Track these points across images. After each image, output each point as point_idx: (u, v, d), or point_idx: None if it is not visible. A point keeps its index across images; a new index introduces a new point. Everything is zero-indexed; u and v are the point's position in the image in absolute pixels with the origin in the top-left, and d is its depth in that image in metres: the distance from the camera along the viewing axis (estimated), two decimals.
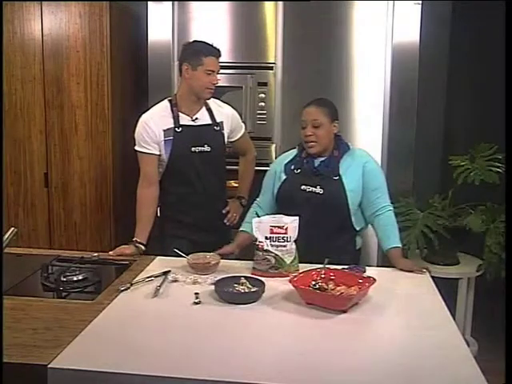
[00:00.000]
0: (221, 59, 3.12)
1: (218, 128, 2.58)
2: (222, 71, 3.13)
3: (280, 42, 3.12)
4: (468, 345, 1.64)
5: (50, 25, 3.25)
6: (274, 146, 3.20)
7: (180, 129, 2.48)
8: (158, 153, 2.49)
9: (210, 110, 2.58)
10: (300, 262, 2.16)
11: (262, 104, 3.19)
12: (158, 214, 2.63)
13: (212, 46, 2.49)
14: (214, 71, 2.46)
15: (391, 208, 2.34)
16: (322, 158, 2.34)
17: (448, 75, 3.85)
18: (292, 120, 3.13)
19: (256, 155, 2.87)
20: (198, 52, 2.45)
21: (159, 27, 3.19)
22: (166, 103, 2.55)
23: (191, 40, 2.64)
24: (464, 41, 3.76)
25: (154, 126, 2.47)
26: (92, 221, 3.41)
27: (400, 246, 2.29)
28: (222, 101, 2.72)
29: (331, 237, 2.30)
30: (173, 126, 2.48)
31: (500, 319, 1.87)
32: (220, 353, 1.51)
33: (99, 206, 3.39)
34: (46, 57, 3.28)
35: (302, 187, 2.32)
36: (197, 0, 3.17)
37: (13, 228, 2.03)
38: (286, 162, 2.42)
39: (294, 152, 2.45)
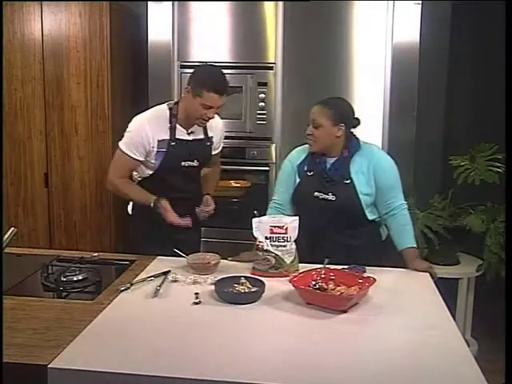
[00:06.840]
0: (221, 59, 3.15)
1: (209, 143, 2.52)
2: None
3: (280, 42, 3.12)
4: (468, 345, 1.64)
5: (50, 25, 3.25)
6: (274, 146, 3.20)
7: (175, 143, 2.39)
8: (142, 159, 2.40)
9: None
10: (301, 262, 2.16)
11: (262, 104, 3.18)
12: (130, 213, 2.57)
13: (221, 80, 2.33)
14: (212, 107, 2.32)
15: (406, 206, 2.32)
16: (333, 160, 2.31)
17: (448, 75, 3.85)
18: (292, 120, 3.13)
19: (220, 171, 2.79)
20: (202, 82, 2.30)
21: (159, 27, 3.19)
22: (165, 109, 2.42)
23: (201, 63, 2.53)
24: (464, 41, 3.76)
25: (150, 133, 2.35)
26: (92, 221, 3.41)
27: (415, 246, 2.28)
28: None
29: (350, 236, 2.30)
30: (168, 138, 2.39)
31: (500, 319, 1.87)
32: (220, 353, 1.51)
33: (99, 206, 3.39)
34: (46, 57, 3.28)
35: (315, 194, 2.31)
36: (197, 0, 3.17)
37: (13, 228, 2.02)
38: (298, 162, 2.39)
39: (305, 149, 2.39)
